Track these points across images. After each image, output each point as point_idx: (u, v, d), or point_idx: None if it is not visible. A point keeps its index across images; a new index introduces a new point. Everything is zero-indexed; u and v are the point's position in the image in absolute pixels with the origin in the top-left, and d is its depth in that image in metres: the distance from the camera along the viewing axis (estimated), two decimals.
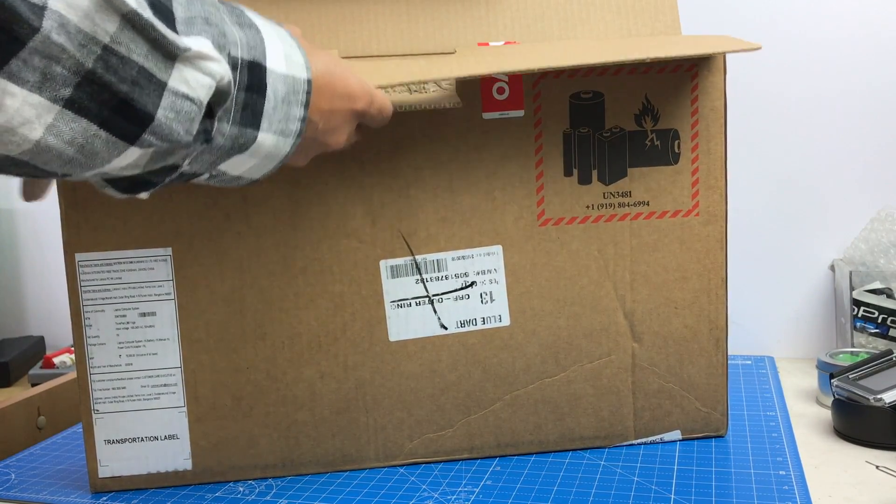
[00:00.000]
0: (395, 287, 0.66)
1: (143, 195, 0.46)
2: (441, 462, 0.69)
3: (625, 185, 0.67)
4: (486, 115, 0.65)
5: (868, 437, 0.69)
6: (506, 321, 0.68)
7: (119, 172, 0.42)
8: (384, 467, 0.69)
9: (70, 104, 0.37)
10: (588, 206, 0.67)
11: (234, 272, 0.65)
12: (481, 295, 0.67)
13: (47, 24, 0.35)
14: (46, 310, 1.28)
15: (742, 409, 0.78)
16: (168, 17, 0.40)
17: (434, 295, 0.67)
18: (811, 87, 0.95)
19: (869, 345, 0.89)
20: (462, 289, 0.67)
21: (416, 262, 0.66)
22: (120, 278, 0.65)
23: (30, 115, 0.36)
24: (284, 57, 0.48)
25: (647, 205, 0.67)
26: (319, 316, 0.66)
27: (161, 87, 0.39)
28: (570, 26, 0.69)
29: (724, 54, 0.66)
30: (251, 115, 0.46)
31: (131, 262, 0.65)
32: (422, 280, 0.67)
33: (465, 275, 0.67)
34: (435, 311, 0.67)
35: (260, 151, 0.48)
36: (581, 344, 0.68)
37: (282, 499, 0.64)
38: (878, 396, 0.68)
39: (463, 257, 0.67)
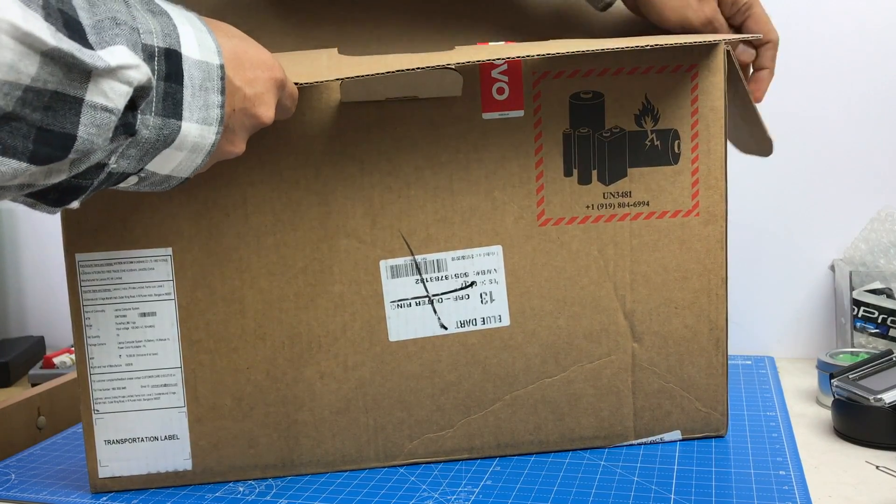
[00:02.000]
0: (394, 287, 0.66)
1: (75, 204, 0.45)
2: (441, 462, 0.69)
3: (625, 186, 0.67)
4: (486, 116, 0.65)
5: (868, 437, 0.69)
6: (506, 321, 0.68)
7: (45, 183, 0.42)
8: (384, 467, 0.69)
9: None
10: (588, 206, 0.67)
11: (234, 272, 0.65)
12: (481, 295, 0.67)
13: None
14: (46, 310, 1.28)
15: (742, 409, 0.78)
16: (78, 31, 0.39)
17: (434, 295, 0.67)
18: (811, 86, 0.96)
19: (869, 345, 0.89)
20: (462, 289, 0.67)
21: (415, 262, 0.66)
22: (120, 278, 0.65)
23: None
24: (197, 42, 0.47)
25: (647, 205, 0.67)
26: (319, 316, 0.66)
27: (78, 104, 0.39)
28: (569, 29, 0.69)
29: (724, 52, 0.66)
30: (172, 104, 0.45)
31: (131, 262, 0.65)
32: (422, 280, 0.67)
33: (465, 275, 0.67)
34: (435, 311, 0.67)
35: (186, 143, 0.48)
36: (581, 344, 0.68)
37: (282, 499, 0.64)
38: (878, 396, 0.68)
39: (463, 257, 0.67)
